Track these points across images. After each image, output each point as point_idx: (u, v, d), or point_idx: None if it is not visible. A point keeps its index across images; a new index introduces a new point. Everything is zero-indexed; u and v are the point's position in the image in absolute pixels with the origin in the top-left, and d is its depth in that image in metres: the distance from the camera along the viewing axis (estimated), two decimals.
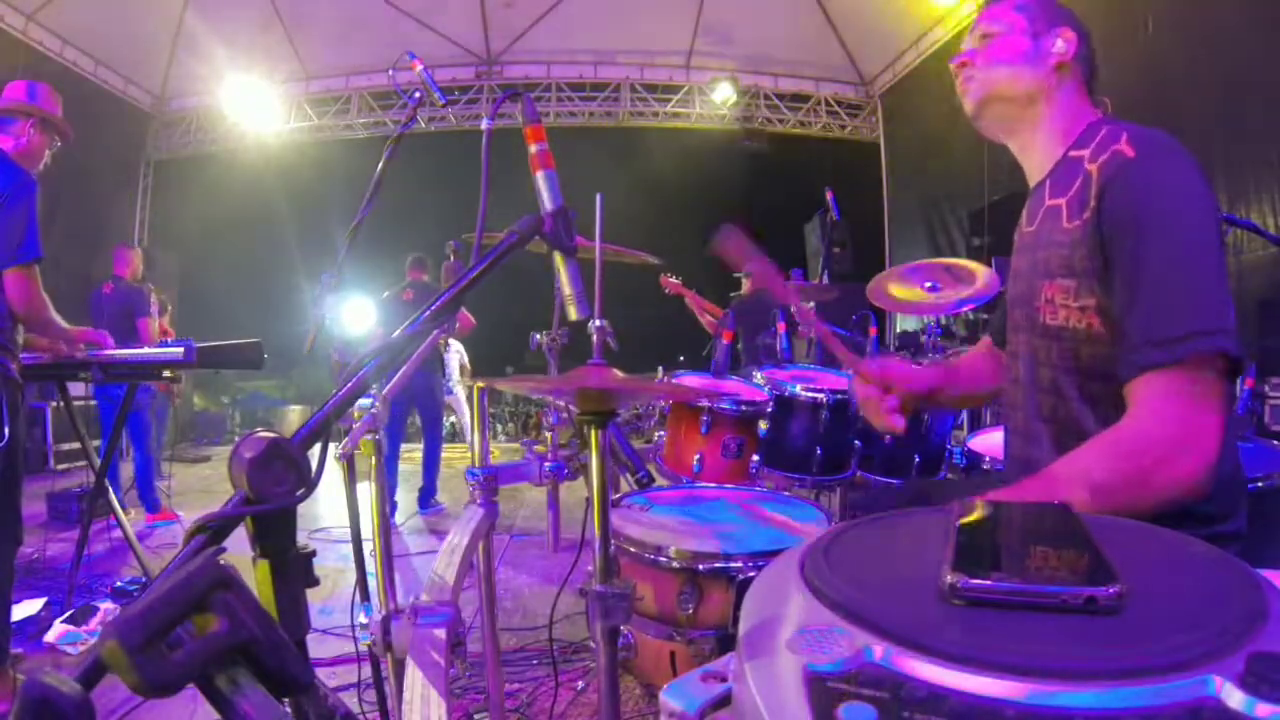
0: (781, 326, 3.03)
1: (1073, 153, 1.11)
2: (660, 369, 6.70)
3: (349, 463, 1.15)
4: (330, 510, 4.33)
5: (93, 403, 4.92)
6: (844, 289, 3.79)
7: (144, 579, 3.03)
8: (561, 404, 1.61)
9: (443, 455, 5.06)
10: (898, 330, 7.19)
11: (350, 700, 2.00)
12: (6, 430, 1.97)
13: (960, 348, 3.79)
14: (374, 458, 1.14)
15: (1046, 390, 1.14)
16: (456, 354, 7.52)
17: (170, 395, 5.08)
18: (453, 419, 7.91)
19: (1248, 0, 4.28)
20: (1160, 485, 0.92)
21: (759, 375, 2.19)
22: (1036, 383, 1.16)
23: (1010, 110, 1.19)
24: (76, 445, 5.07)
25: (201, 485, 5.95)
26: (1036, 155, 1.20)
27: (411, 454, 5.34)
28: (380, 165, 1.70)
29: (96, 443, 3.36)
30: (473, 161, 1.15)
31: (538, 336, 1.70)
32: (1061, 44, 1.16)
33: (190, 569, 0.49)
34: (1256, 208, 4.35)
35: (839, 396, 2.04)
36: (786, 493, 1.84)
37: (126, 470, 4.56)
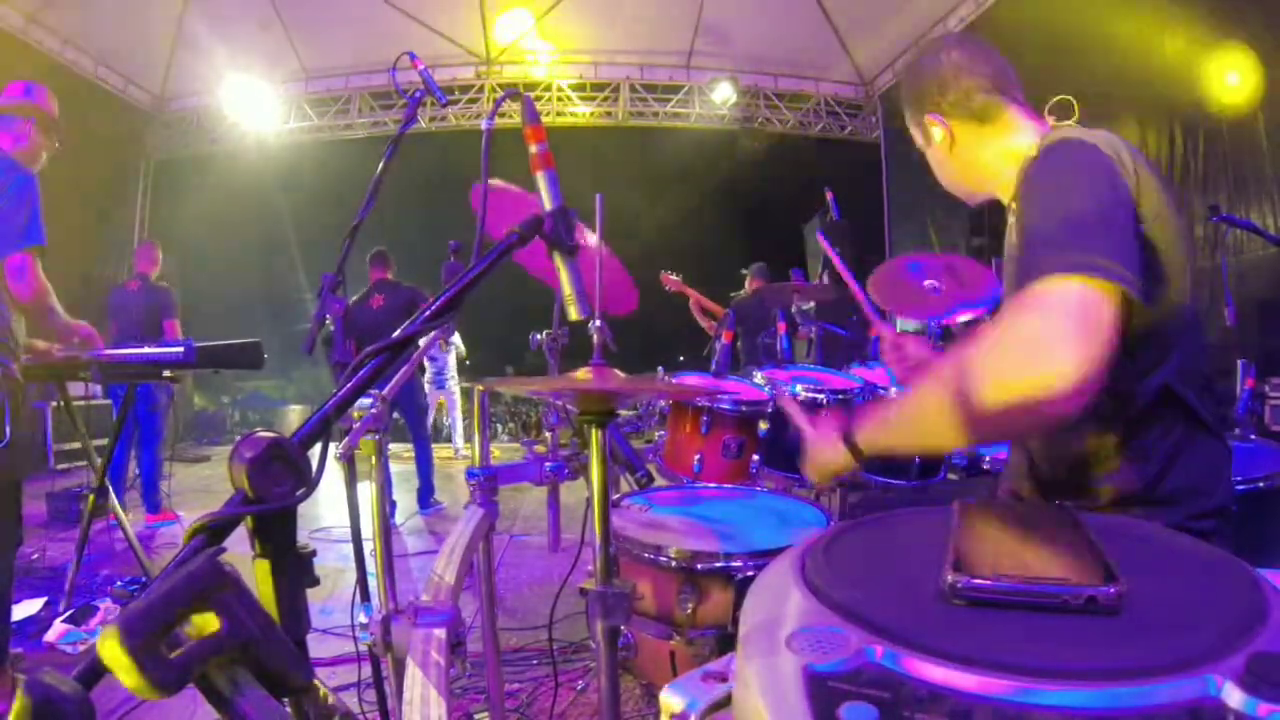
0: (781, 326, 3.03)
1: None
2: (660, 369, 6.68)
3: (349, 463, 1.15)
4: (330, 510, 4.32)
5: (94, 403, 4.91)
6: (844, 289, 3.77)
7: (144, 579, 3.03)
8: (561, 404, 1.61)
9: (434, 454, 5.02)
10: (897, 331, 7.18)
11: (350, 700, 2.00)
12: (8, 430, 1.97)
13: None
14: (374, 458, 1.14)
15: None
16: (454, 348, 7.41)
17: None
18: (448, 421, 7.82)
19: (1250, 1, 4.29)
20: (1019, 385, 0.81)
21: (759, 375, 2.19)
22: None
23: (976, 195, 1.29)
24: (77, 445, 5.07)
25: (201, 485, 5.95)
26: (1005, 195, 1.24)
27: (401, 454, 5.31)
28: (380, 165, 1.70)
29: (99, 442, 3.34)
30: (473, 161, 1.15)
31: (538, 336, 1.70)
32: (937, 132, 1.23)
33: (190, 569, 0.49)
34: (1256, 208, 4.35)
35: (839, 396, 2.03)
36: (786, 493, 1.84)
37: (129, 469, 4.55)
